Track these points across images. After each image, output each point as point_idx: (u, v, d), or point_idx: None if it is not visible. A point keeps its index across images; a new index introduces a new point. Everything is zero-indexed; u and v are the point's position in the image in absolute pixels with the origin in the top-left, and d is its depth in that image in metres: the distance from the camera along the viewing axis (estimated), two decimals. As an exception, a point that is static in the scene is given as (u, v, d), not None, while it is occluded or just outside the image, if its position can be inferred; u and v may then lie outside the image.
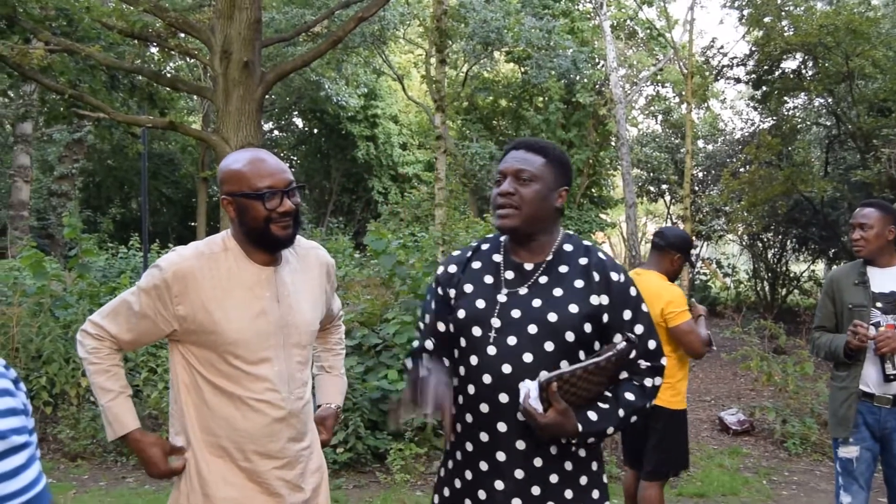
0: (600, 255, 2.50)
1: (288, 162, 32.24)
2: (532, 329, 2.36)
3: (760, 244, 17.93)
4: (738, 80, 14.89)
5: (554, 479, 2.36)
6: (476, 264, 2.56)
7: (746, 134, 17.92)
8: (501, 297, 2.43)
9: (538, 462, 2.35)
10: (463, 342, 2.44)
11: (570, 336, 2.35)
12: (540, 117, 21.19)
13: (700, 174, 19.95)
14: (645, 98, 24.12)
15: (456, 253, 2.68)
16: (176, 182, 27.89)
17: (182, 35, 10.53)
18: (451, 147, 21.47)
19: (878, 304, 4.17)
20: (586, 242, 2.55)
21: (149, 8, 9.00)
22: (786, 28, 12.70)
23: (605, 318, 2.40)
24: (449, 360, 2.51)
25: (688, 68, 14.01)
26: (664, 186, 21.95)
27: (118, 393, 2.57)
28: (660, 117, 23.11)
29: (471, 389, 2.39)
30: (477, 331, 2.40)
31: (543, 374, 2.27)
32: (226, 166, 2.55)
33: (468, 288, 2.50)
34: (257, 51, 9.05)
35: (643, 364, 2.44)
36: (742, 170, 15.39)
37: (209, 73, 10.52)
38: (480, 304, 2.44)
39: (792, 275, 17.95)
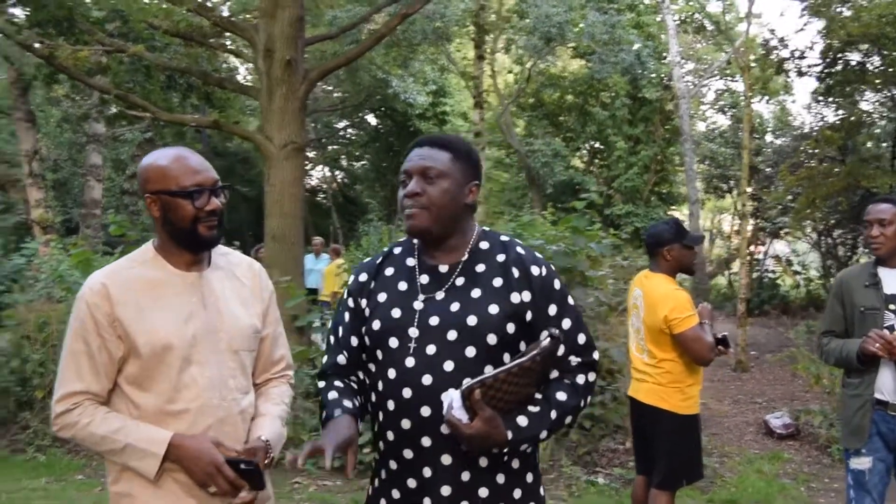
0: (519, 249, 2.37)
1: (361, 159, 32.42)
2: (452, 335, 2.24)
3: (830, 240, 17.38)
4: (800, 73, 14.38)
5: (484, 493, 2.25)
6: (389, 270, 2.43)
7: (815, 128, 17.37)
8: (418, 305, 2.31)
9: (466, 476, 2.23)
10: (380, 355, 2.32)
11: (492, 339, 2.23)
12: (606, 113, 20.95)
13: (768, 169, 19.42)
14: (714, 92, 23.68)
15: (367, 260, 2.56)
16: (251, 180, 28.15)
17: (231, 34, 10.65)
18: (515, 144, 21.38)
19: (892, 307, 3.96)
20: (504, 237, 2.42)
21: (193, 7, 9.10)
22: (850, 19, 12.24)
23: (529, 315, 2.28)
24: (365, 375, 2.42)
25: (745, 61, 13.62)
26: (732, 182, 21.44)
27: (126, 423, 2.38)
28: (728, 112, 22.61)
29: (391, 405, 2.27)
30: (394, 342, 2.29)
31: (466, 382, 2.13)
32: (148, 164, 2.45)
33: (382, 297, 2.38)
34: (300, 49, 9.08)
35: (574, 360, 2.33)
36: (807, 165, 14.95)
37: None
38: (396, 313, 2.32)
39: (864, 272, 17.33)
